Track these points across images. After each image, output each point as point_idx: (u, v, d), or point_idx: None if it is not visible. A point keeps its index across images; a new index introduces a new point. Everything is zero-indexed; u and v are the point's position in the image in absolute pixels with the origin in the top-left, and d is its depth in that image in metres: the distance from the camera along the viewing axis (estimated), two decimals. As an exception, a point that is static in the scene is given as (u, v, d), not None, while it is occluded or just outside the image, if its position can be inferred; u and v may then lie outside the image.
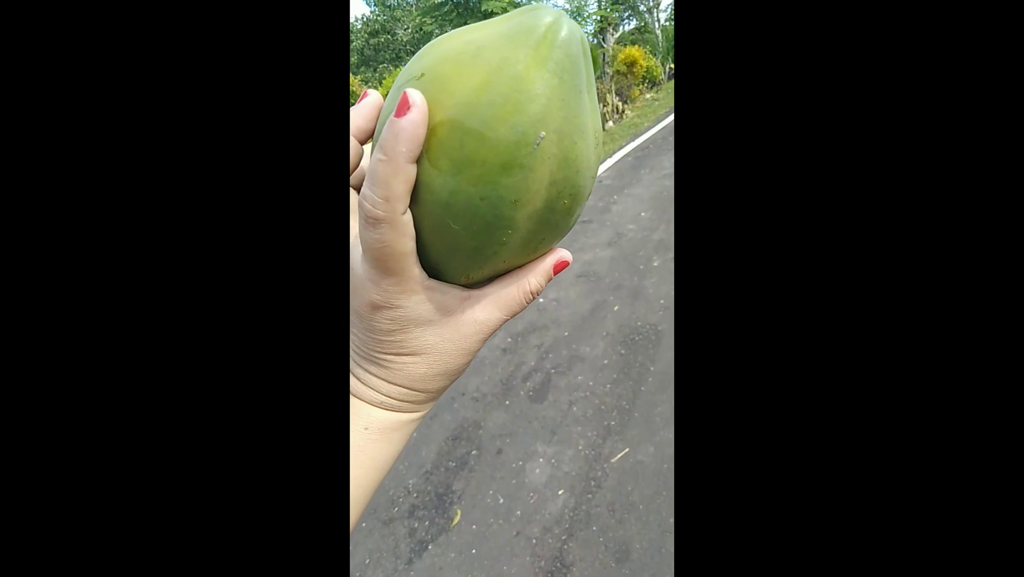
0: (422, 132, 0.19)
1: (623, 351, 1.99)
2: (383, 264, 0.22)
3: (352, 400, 0.24)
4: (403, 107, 0.19)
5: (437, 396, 0.26)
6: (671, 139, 5.15)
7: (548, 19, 0.19)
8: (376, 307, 0.23)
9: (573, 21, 0.20)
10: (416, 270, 0.22)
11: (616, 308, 2.28)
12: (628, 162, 4.61)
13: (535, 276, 0.25)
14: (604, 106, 6.71)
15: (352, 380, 0.25)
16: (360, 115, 0.24)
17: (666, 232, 2.94)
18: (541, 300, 2.44)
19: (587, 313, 2.30)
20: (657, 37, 10.38)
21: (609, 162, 4.73)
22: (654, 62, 8.48)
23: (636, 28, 15.69)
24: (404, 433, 0.25)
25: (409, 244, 0.21)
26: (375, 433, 0.24)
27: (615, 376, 1.87)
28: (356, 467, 0.23)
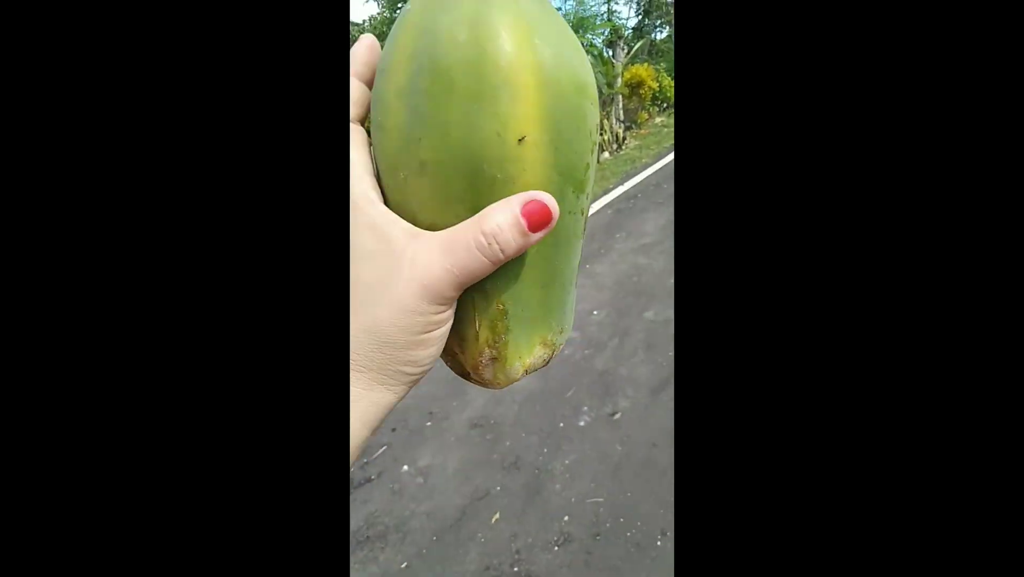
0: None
1: (481, 615, 1.27)
2: None
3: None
4: None
5: (392, 377, 0.22)
6: (665, 185, 4.34)
7: None
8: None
9: None
10: (367, 191, 0.23)
11: (496, 516, 1.53)
12: (606, 217, 3.77)
13: (497, 212, 0.21)
14: (603, 134, 5.93)
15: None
16: (357, 59, 0.25)
17: (620, 345, 2.15)
18: (405, 467, 1.72)
19: (458, 512, 1.54)
20: (677, 51, 9.46)
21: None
22: (668, 81, 7.61)
23: (669, 37, 14.74)
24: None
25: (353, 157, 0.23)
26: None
27: None
28: None
